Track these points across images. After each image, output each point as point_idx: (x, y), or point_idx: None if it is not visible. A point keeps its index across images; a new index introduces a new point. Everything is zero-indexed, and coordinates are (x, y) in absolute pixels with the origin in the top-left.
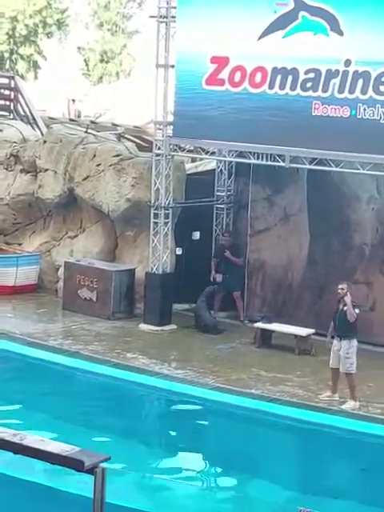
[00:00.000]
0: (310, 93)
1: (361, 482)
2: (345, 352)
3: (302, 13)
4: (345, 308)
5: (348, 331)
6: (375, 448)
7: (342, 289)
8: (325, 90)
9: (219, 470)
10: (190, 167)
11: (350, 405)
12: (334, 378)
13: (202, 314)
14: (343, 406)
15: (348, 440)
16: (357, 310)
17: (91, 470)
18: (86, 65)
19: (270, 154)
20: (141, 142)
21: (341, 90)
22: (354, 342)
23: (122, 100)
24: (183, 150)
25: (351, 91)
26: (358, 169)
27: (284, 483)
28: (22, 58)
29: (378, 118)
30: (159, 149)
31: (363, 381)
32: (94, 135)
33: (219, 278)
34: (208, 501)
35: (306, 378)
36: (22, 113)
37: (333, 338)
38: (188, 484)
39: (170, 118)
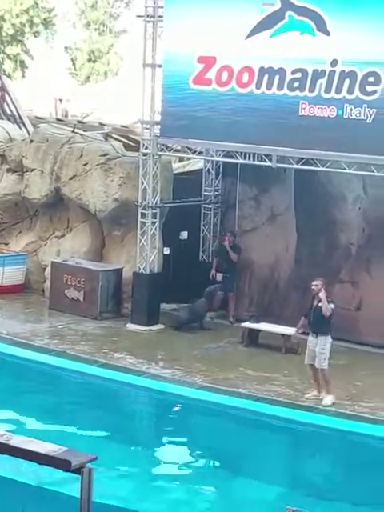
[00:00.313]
0: (297, 93)
1: (348, 480)
2: (320, 348)
3: (288, 12)
4: (319, 304)
5: (323, 327)
6: (362, 447)
7: (317, 285)
8: (312, 90)
9: (207, 468)
10: (177, 167)
11: (327, 400)
12: (316, 376)
13: (180, 313)
14: (322, 402)
15: (335, 439)
16: (332, 305)
17: (78, 470)
18: (73, 64)
19: (257, 154)
20: (128, 142)
21: (327, 90)
22: (329, 338)
23: (110, 99)
24: (170, 150)
25: (338, 91)
26: (345, 169)
27: (272, 482)
28: (8, 57)
29: (365, 117)
30: (146, 148)
31: (350, 380)
32: (80, 135)
33: (219, 277)
34: (195, 499)
35: (292, 377)
36: (9, 112)
37: (302, 333)
38: (175, 483)
39: (158, 118)
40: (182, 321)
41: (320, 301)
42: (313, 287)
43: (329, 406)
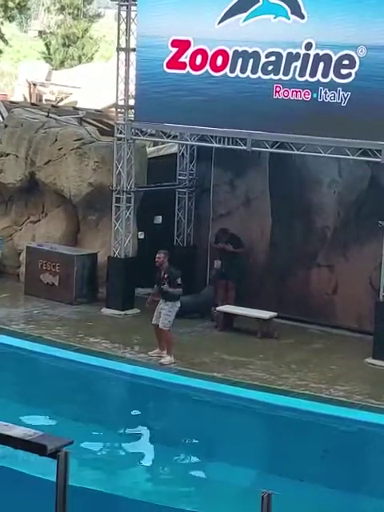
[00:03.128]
0: (272, 76)
1: (323, 464)
2: (167, 311)
3: None
4: (165, 275)
5: (170, 296)
6: (337, 430)
7: (159, 257)
8: (286, 74)
9: (182, 453)
10: (151, 151)
11: (166, 360)
12: (159, 336)
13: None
14: (161, 361)
15: (310, 422)
16: (178, 280)
17: (54, 454)
18: (48, 49)
19: (232, 138)
20: (102, 126)
21: (302, 73)
22: (177, 305)
23: (84, 84)
24: (145, 134)
25: (312, 74)
26: (320, 152)
27: (247, 466)
28: None
29: (339, 101)
30: (121, 133)
31: (326, 363)
32: (55, 119)
33: (217, 264)
34: (172, 484)
35: (268, 361)
36: None
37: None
38: (151, 467)
39: (132, 102)
40: (186, 310)
41: (165, 273)
42: (156, 259)
43: (165, 364)
